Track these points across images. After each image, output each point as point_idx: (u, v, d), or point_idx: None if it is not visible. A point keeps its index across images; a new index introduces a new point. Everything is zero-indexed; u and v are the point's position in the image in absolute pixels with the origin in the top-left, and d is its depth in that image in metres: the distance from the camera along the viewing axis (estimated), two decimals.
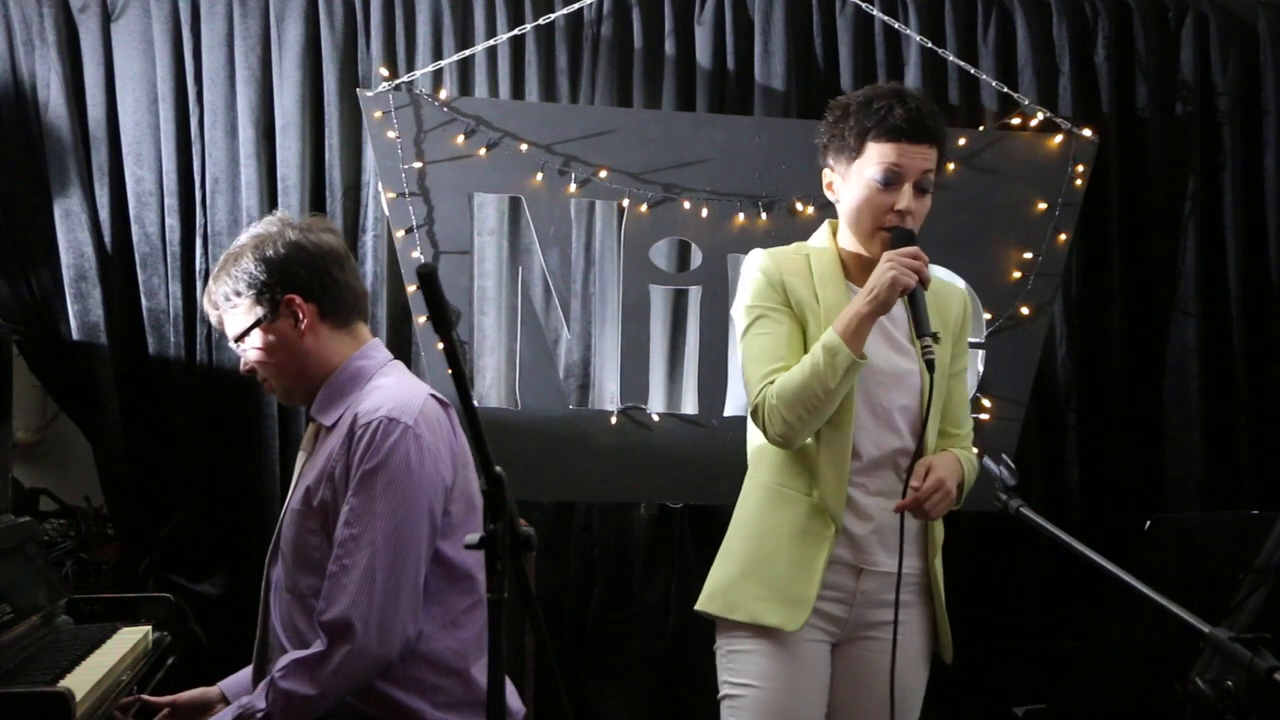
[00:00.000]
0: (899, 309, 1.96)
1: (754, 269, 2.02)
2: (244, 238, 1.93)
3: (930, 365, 1.83)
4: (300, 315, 1.88)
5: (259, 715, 1.72)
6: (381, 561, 1.73)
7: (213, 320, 1.97)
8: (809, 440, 1.94)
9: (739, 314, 2.04)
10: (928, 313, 1.87)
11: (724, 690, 2.00)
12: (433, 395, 1.89)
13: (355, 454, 1.77)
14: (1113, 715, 2.49)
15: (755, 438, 2.06)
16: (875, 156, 1.92)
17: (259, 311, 1.88)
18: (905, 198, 1.92)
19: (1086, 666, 2.43)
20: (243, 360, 1.95)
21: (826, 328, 1.90)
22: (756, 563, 1.97)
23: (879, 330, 1.96)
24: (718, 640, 2.03)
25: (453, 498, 1.84)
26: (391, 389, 1.86)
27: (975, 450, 2.10)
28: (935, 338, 1.86)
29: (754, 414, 1.95)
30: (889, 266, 1.85)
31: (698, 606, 2.04)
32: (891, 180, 1.92)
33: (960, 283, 2.15)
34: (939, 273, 2.13)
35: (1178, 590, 2.28)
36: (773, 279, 1.99)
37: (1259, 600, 2.31)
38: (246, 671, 2.02)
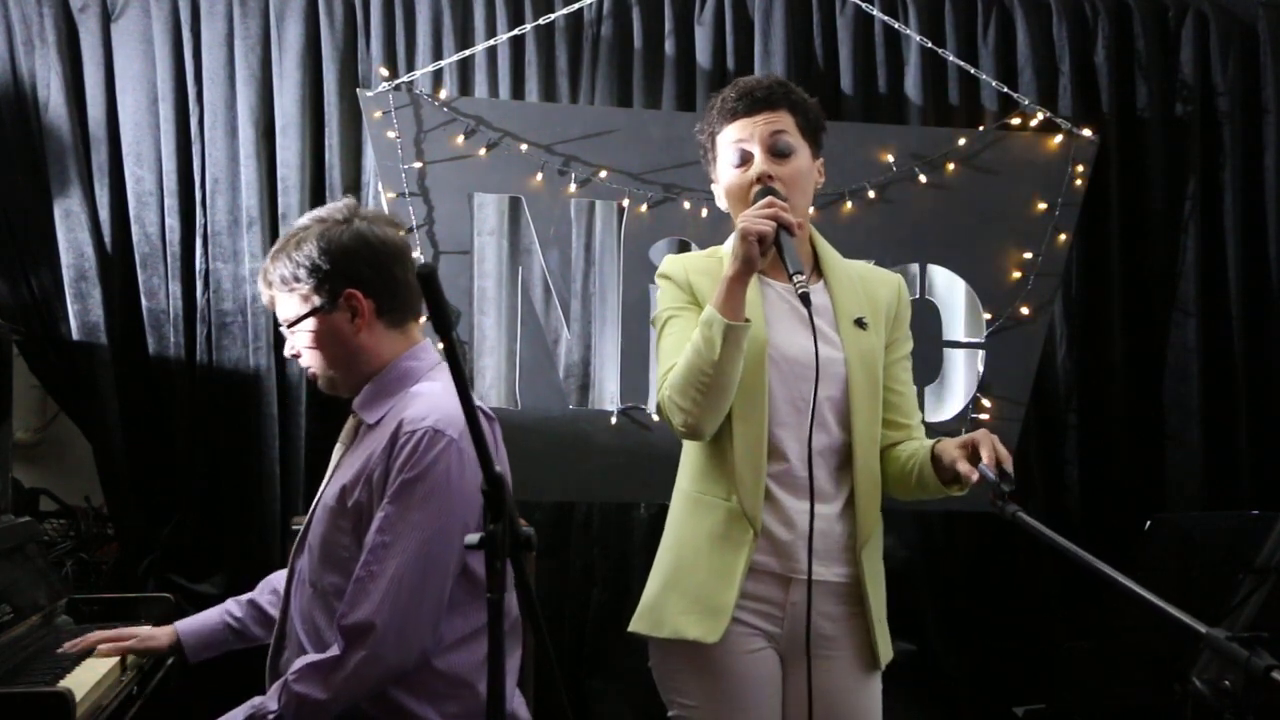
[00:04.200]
0: (823, 299, 1.91)
1: (660, 277, 1.99)
2: (308, 220, 1.88)
3: (805, 299, 1.73)
4: (358, 310, 1.84)
5: (271, 717, 1.72)
6: (410, 572, 1.70)
7: (264, 298, 1.93)
8: (725, 441, 1.86)
9: (654, 324, 1.99)
10: (795, 254, 1.79)
11: (672, 711, 1.92)
12: (479, 407, 1.86)
13: (396, 461, 1.74)
14: (1113, 715, 2.50)
15: (682, 446, 2.00)
16: (724, 143, 1.92)
17: (316, 300, 1.83)
18: (759, 164, 1.88)
19: (1086, 666, 2.43)
20: (288, 345, 1.91)
21: None
22: (677, 575, 1.90)
23: (796, 320, 1.89)
24: (651, 659, 1.94)
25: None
26: (439, 397, 1.81)
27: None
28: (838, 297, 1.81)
29: (658, 411, 1.89)
30: (739, 221, 1.80)
31: (630, 628, 1.95)
32: (744, 157, 1.90)
33: (895, 275, 2.09)
34: (870, 268, 2.07)
35: (1178, 590, 2.29)
36: (678, 280, 1.95)
37: (1259, 600, 2.31)
38: (204, 615, 2.10)
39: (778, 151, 1.89)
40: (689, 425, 1.82)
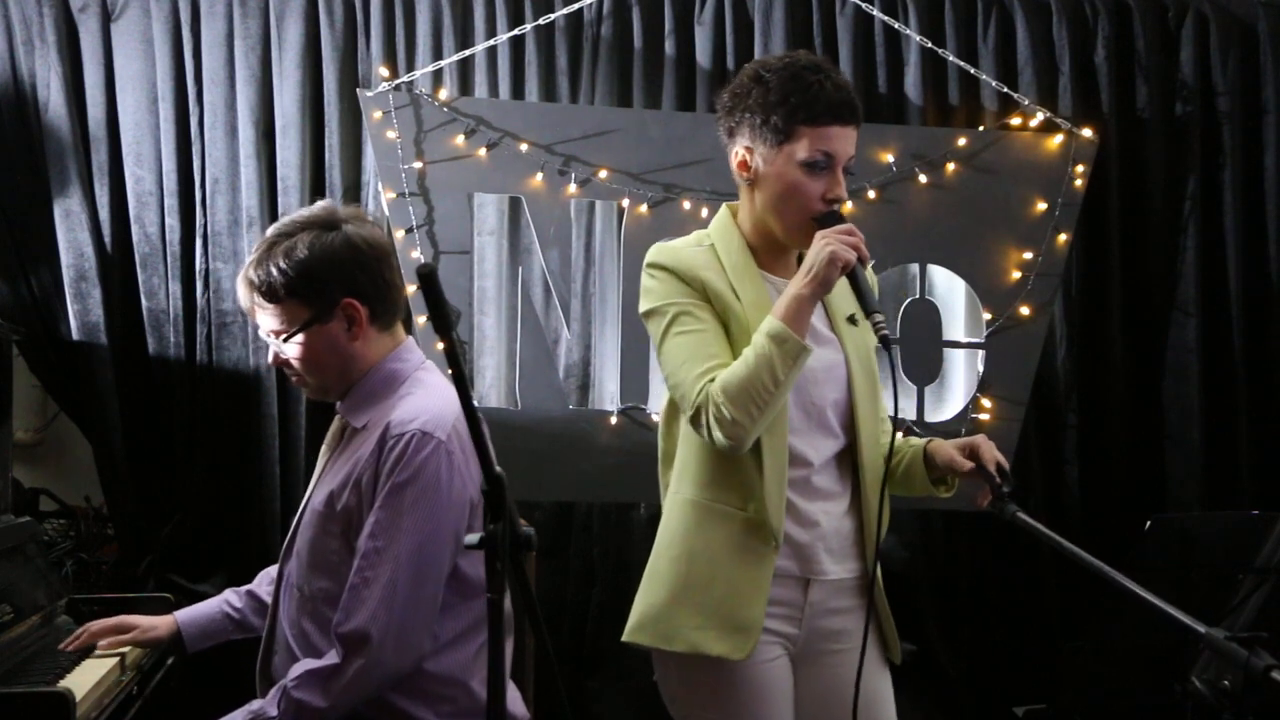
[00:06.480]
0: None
1: (658, 268, 1.86)
2: (290, 225, 1.81)
3: (885, 341, 1.69)
4: (355, 319, 1.80)
5: None
6: (404, 577, 1.69)
7: (244, 303, 1.84)
8: (748, 452, 1.78)
9: (650, 316, 1.87)
10: (872, 289, 1.77)
11: None
12: None
13: (385, 465, 1.72)
14: (1113, 715, 2.50)
15: (672, 447, 1.92)
16: (808, 141, 1.78)
17: (311, 311, 1.78)
18: (839, 184, 1.80)
19: (1086, 666, 2.43)
20: (272, 352, 1.85)
21: (748, 326, 1.77)
22: (690, 588, 1.81)
23: None
24: (658, 672, 1.87)
25: (478, 514, 1.77)
26: (426, 399, 1.79)
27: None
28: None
29: (694, 418, 1.77)
30: (826, 243, 1.73)
31: (625, 638, 1.86)
32: (825, 165, 1.78)
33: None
34: None
35: (1178, 590, 2.29)
36: (685, 275, 1.83)
37: (1259, 600, 2.31)
38: (203, 605, 2.08)
39: (847, 171, 1.83)
40: (736, 437, 1.74)
